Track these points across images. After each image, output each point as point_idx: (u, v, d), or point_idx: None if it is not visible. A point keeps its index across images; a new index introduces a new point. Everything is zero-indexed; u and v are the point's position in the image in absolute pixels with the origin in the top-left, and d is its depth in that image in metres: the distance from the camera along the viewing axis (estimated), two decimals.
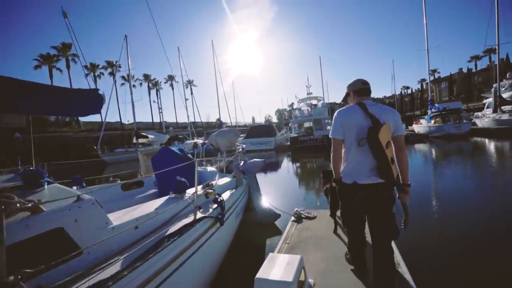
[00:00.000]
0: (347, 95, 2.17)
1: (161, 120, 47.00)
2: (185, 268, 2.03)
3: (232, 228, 3.23)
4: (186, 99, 37.46)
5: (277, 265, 1.88)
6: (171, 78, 54.21)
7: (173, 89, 55.31)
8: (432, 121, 21.40)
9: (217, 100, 47.62)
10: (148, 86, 52.45)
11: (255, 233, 4.13)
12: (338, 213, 2.76)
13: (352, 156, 1.97)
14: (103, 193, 4.08)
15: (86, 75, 42.42)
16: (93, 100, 2.92)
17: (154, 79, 52.73)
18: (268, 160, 17.23)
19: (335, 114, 2.04)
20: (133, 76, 47.55)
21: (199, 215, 2.49)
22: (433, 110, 22.81)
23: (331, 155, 2.07)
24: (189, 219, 2.40)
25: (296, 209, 3.95)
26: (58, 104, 2.78)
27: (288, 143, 21.35)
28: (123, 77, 44.23)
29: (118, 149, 27.00)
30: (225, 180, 3.78)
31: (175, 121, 55.62)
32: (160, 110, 44.31)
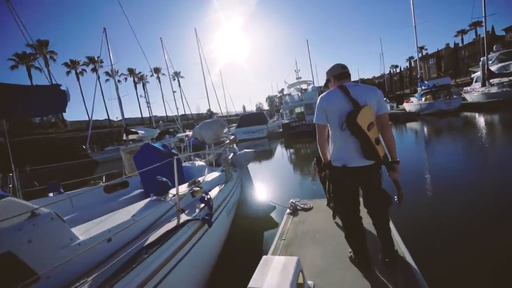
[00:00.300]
0: (328, 81, 2.21)
1: (150, 115, 46.01)
2: (170, 280, 1.80)
3: (223, 227, 3.00)
4: (174, 92, 36.59)
5: (272, 270, 1.66)
6: (157, 71, 52.70)
7: (160, 82, 53.88)
8: (423, 99, 21.38)
9: (210, 90, 46.68)
10: (134, 80, 50.95)
11: (250, 229, 3.93)
12: None
13: (337, 140, 2.02)
14: (83, 198, 3.79)
15: (67, 72, 40.94)
16: (55, 98, 2.58)
17: (140, 73, 51.19)
18: (260, 149, 17.07)
19: (318, 100, 2.08)
20: (117, 71, 46.03)
21: (183, 218, 2.24)
22: (423, 87, 22.77)
23: (317, 140, 2.13)
24: (172, 223, 2.15)
25: (291, 200, 3.75)
26: (13, 103, 2.44)
27: (280, 129, 21.13)
28: (107, 73, 42.74)
29: (108, 147, 26.39)
30: (214, 175, 3.52)
31: (165, 114, 54.60)
32: (148, 105, 43.16)
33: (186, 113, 44.73)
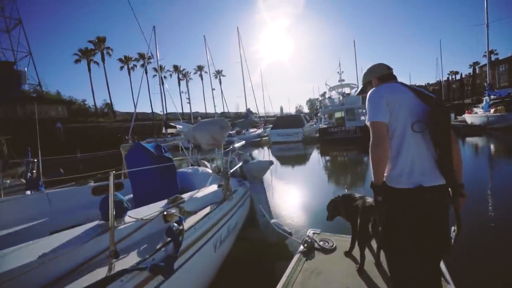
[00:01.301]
0: (367, 85, 1.80)
1: (190, 111, 47.57)
2: None
3: (201, 270, 2.19)
4: (213, 89, 37.24)
5: None
6: (200, 68, 54.47)
7: (202, 79, 55.62)
8: (492, 110, 18.17)
9: (249, 89, 46.73)
10: (178, 77, 53.23)
11: (251, 265, 3.09)
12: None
13: (408, 147, 1.42)
14: (66, 198, 3.31)
15: (121, 67, 44.24)
16: (5, 80, 2.03)
17: (184, 69, 53.32)
18: (294, 153, 16.00)
19: (372, 93, 1.54)
20: (164, 67, 48.50)
21: (121, 265, 1.49)
22: (492, 96, 19.42)
23: (372, 148, 1.42)
24: (100, 273, 1.41)
25: (309, 232, 2.83)
26: None
27: (317, 134, 19.75)
28: (154, 69, 45.20)
29: (148, 139, 27.59)
30: (208, 190, 2.75)
31: (205, 111, 56.11)
32: (188, 101, 44.56)
33: (225, 111, 45.26)
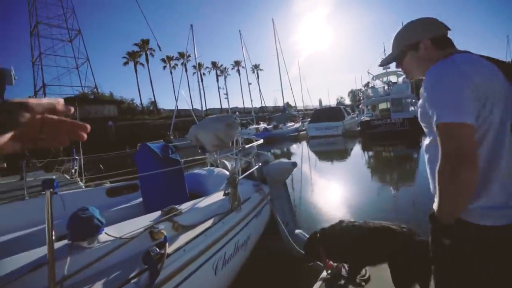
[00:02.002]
0: (411, 48, 1.07)
1: (228, 106, 48.36)
2: None
3: None
4: (249, 84, 37.11)
5: None
6: (237, 63, 54.85)
7: (239, 74, 56.00)
8: None
9: (287, 83, 45.86)
10: (216, 73, 54.39)
11: (266, 285, 2.65)
12: None
13: (505, 163, 0.86)
14: (81, 199, 3.24)
15: (164, 67, 46.69)
16: None
17: (221, 65, 54.26)
18: (333, 148, 14.97)
19: (444, 68, 0.89)
20: (203, 64, 49.95)
21: None
22: None
23: (454, 168, 0.81)
24: None
25: None
26: None
27: (359, 128, 18.29)
28: (194, 66, 46.78)
29: (187, 134, 28.62)
30: (214, 198, 2.37)
31: (242, 106, 56.64)
32: (226, 96, 45.27)
33: (262, 105, 45.06)
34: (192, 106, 47.55)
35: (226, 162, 4.12)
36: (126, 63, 41.98)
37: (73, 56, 38.77)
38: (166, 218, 1.92)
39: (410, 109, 17.15)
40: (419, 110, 1.03)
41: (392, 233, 1.68)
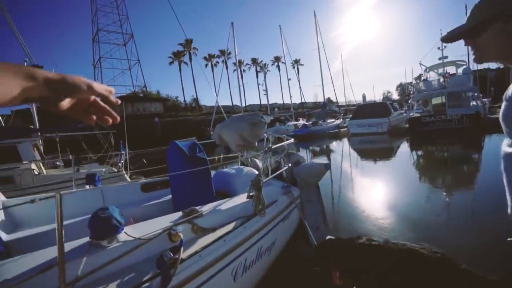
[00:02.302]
0: (504, 19, 0.73)
1: (267, 102, 48.29)
2: None
3: None
4: (289, 79, 36.48)
5: None
6: (277, 59, 54.39)
7: (279, 70, 55.48)
8: None
9: (328, 77, 44.16)
10: (256, 69, 54.62)
11: None
12: None
13: None
14: (118, 193, 3.44)
15: (206, 65, 48.38)
16: None
17: (261, 61, 54.29)
18: (377, 146, 13.91)
19: None
20: (243, 61, 50.57)
21: None
22: None
23: None
24: None
25: None
26: None
27: (407, 125, 16.75)
28: (234, 64, 47.64)
29: None
30: (238, 201, 2.28)
31: (282, 102, 56.13)
32: (265, 93, 45.22)
33: (303, 101, 44.07)
34: (232, 103, 48.62)
35: (257, 161, 4.01)
36: (171, 63, 44.49)
37: (126, 58, 42.42)
38: (185, 220, 1.88)
39: (471, 104, 15.11)
40: (504, 107, 0.78)
41: (420, 259, 1.37)
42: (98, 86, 0.46)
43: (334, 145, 17.00)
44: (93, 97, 0.48)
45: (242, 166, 3.63)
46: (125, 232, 1.65)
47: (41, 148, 9.20)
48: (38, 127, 9.52)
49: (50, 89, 0.41)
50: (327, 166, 2.93)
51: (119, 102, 0.50)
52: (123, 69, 42.41)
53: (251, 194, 2.19)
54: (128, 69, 42.81)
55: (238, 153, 3.97)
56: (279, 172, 2.86)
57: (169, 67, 45.73)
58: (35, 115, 10.25)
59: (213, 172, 3.71)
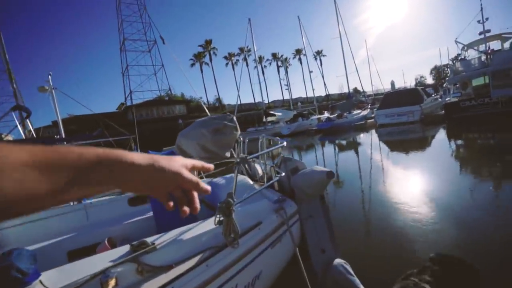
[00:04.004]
0: None
1: (290, 97, 47.20)
2: None
3: None
4: (310, 72, 35.14)
5: None
6: (298, 52, 52.90)
7: (301, 63, 53.93)
8: None
9: (353, 67, 42.01)
10: (277, 64, 53.64)
11: None
12: None
13: None
14: (100, 210, 3.17)
15: (226, 64, 48.54)
16: None
17: (282, 56, 53.15)
18: (408, 137, 12.62)
19: None
20: (263, 57, 49.87)
21: None
22: None
23: None
24: None
25: None
26: None
27: (442, 111, 15.06)
28: (254, 60, 47.18)
29: (249, 129, 29.15)
30: (205, 227, 1.80)
31: (305, 96, 54.61)
32: (286, 87, 44.23)
33: (327, 93, 42.39)
34: (254, 100, 48.29)
35: (257, 167, 3.52)
36: (192, 65, 45.28)
37: (152, 64, 43.87)
38: (130, 258, 1.48)
39: None
40: None
41: None
42: (188, 177, 0.45)
43: (360, 137, 15.88)
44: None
45: (232, 175, 3.17)
46: (40, 282, 1.29)
47: None
48: (63, 137, 9.92)
49: (135, 175, 0.39)
50: (331, 175, 2.37)
51: (209, 191, 0.49)
52: (148, 75, 43.96)
53: (220, 219, 1.72)
54: (154, 74, 44.29)
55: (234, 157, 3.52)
56: (269, 183, 2.36)
57: (191, 69, 46.52)
58: (61, 125, 10.73)
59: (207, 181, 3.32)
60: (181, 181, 0.44)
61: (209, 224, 1.85)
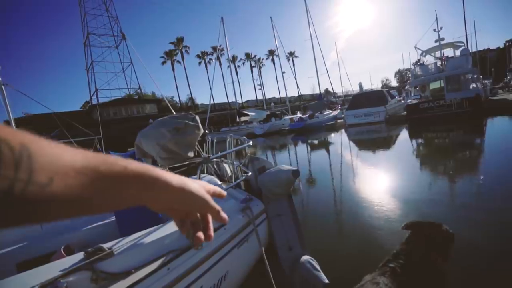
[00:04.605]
0: None
1: (264, 97, 47.64)
2: None
3: None
4: (283, 72, 35.75)
5: None
6: (271, 53, 53.55)
7: (274, 64, 54.65)
8: None
9: (323, 68, 43.32)
10: (250, 64, 53.83)
11: None
12: None
13: None
14: None
15: (199, 63, 47.68)
16: None
17: (255, 56, 53.44)
18: (373, 136, 13.36)
19: None
20: (236, 56, 49.76)
21: None
22: None
23: None
24: None
25: None
26: None
27: (405, 112, 16.16)
28: (228, 60, 46.93)
29: (223, 128, 28.90)
30: (166, 230, 1.75)
31: (279, 96, 55.41)
32: (260, 87, 44.61)
33: (299, 94, 43.33)
34: (228, 100, 48.04)
35: (226, 167, 3.50)
36: (164, 62, 43.86)
37: (119, 61, 41.73)
38: (83, 265, 1.39)
39: (471, 87, 14.47)
40: None
41: None
42: (213, 204, 0.44)
43: (331, 136, 16.48)
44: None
45: (202, 175, 3.13)
46: None
47: None
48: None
49: (168, 195, 0.39)
50: (296, 174, 2.43)
51: (227, 221, 0.48)
52: (116, 72, 41.79)
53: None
54: (122, 72, 42.19)
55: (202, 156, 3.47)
56: (235, 183, 2.36)
57: (163, 67, 45.09)
58: (13, 125, 9.81)
59: None
60: (205, 207, 0.44)
61: (172, 227, 1.80)
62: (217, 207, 0.46)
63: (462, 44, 17.68)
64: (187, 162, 2.41)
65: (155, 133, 2.13)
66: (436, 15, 16.31)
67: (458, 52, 17.09)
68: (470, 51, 16.73)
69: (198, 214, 0.47)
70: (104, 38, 40.92)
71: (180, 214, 0.45)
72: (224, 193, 0.52)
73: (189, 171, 2.79)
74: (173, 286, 1.54)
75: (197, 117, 2.24)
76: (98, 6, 39.89)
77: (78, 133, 10.14)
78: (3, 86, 8.34)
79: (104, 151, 7.58)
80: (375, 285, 1.36)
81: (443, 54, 16.59)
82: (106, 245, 1.57)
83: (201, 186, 0.44)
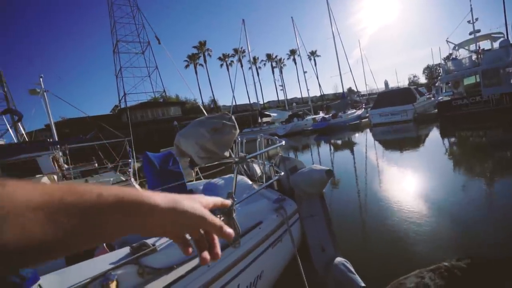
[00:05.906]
0: None
1: (285, 97, 47.41)
2: None
3: None
4: (304, 72, 35.26)
5: None
6: (293, 53, 53.13)
7: (296, 64, 54.20)
8: None
9: (346, 67, 42.25)
10: (271, 65, 53.75)
11: None
12: None
13: None
14: None
15: (221, 65, 48.45)
16: None
17: (276, 56, 53.30)
18: (400, 136, 12.77)
19: None
20: (258, 58, 49.98)
21: None
22: None
23: None
24: None
25: None
26: None
27: (435, 110, 15.28)
28: (249, 61, 47.24)
29: (245, 129, 29.09)
30: None
31: (300, 96, 54.88)
32: (281, 88, 44.38)
33: (322, 93, 42.62)
34: (249, 101, 48.30)
35: (256, 167, 3.51)
36: (187, 66, 45.07)
37: (146, 66, 43.54)
38: (130, 260, 1.46)
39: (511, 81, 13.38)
40: None
41: None
42: (212, 220, 0.41)
43: (355, 136, 16.01)
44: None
45: (231, 175, 3.15)
46: (39, 286, 1.26)
47: (61, 160, 9.44)
48: (56, 140, 9.78)
49: (156, 220, 0.35)
50: (330, 173, 2.38)
51: (233, 236, 0.45)
52: (142, 77, 43.58)
53: (221, 219, 1.72)
54: (148, 76, 43.94)
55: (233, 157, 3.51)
56: (269, 182, 2.36)
57: (186, 71, 46.31)
58: (54, 129, 10.56)
59: (203, 183, 3.29)
60: (205, 225, 0.40)
61: None
62: (219, 222, 0.42)
63: (502, 35, 16.37)
64: (223, 161, 2.45)
65: (195, 133, 2.19)
66: (471, 5, 15.28)
67: (496, 44, 15.86)
68: (511, 42, 15.41)
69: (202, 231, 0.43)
70: (131, 45, 42.91)
71: (177, 235, 0.41)
72: (228, 202, 0.49)
73: (223, 172, 2.83)
74: (213, 283, 1.56)
75: (233, 117, 2.27)
76: (126, 14, 41.92)
77: (109, 135, 10.74)
78: (45, 93, 8.97)
79: (133, 152, 7.91)
80: (420, 278, 1.31)
81: (479, 47, 15.47)
82: (148, 241, 1.63)
83: (197, 202, 0.40)
